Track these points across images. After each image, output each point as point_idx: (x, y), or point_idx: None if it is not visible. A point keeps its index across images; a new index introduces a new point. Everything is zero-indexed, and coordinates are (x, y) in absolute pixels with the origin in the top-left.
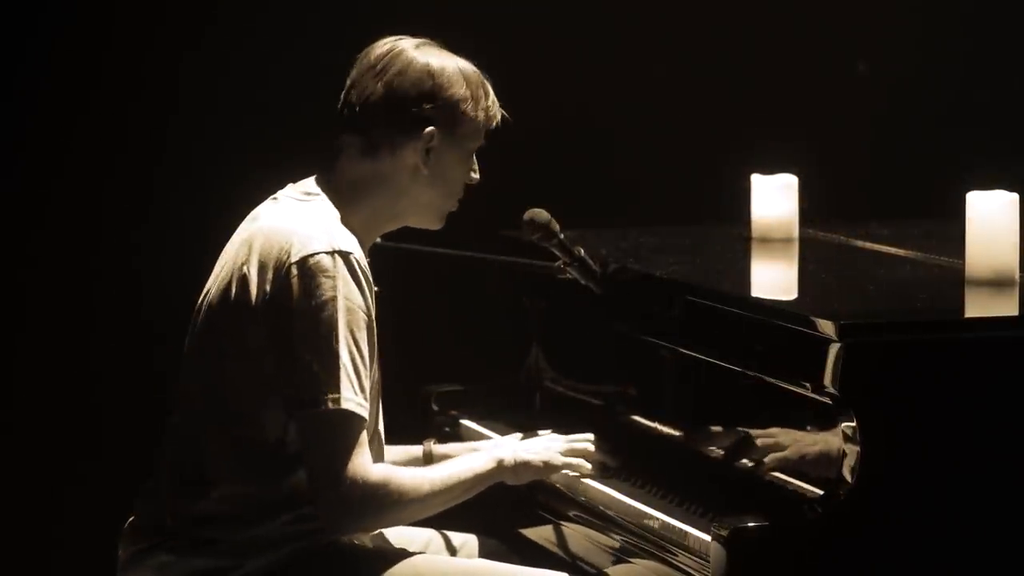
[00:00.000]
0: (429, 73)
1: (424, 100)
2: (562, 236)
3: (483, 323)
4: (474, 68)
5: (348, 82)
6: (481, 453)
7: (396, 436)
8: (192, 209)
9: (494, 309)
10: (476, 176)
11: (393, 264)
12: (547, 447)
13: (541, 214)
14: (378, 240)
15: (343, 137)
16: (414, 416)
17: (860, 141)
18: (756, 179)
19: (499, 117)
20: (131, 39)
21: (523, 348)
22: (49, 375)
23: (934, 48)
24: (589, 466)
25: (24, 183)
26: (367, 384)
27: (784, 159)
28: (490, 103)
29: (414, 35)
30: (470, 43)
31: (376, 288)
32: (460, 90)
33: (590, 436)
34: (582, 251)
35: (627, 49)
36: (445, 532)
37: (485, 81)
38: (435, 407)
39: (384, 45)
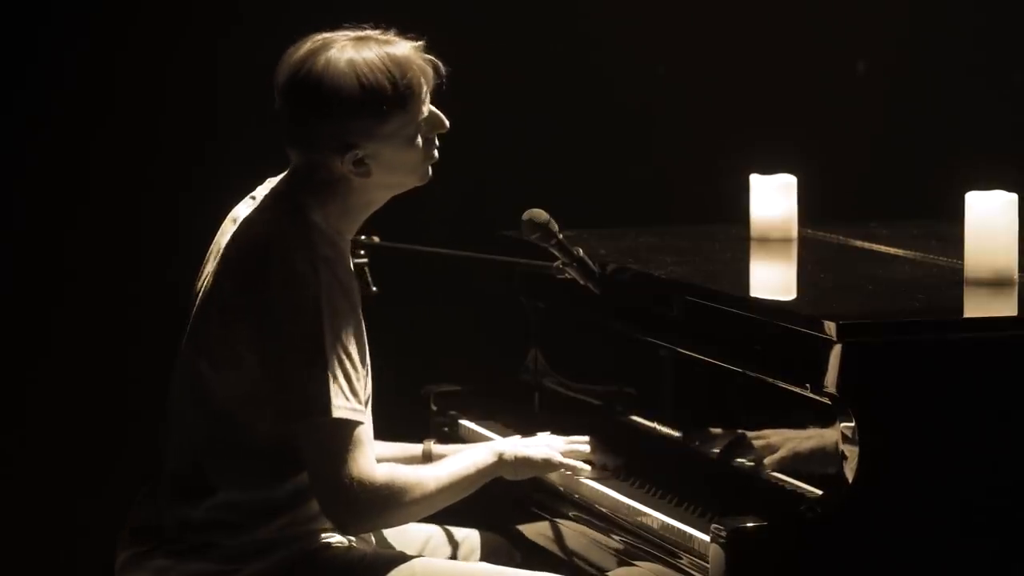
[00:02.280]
0: (327, 100)
1: (332, 131)
2: (561, 236)
3: (483, 323)
4: (381, 55)
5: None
6: (482, 447)
7: (396, 436)
8: (188, 212)
9: (494, 309)
10: (446, 126)
11: (393, 264)
12: (548, 444)
13: (540, 214)
14: (376, 240)
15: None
16: (413, 416)
17: (860, 141)
18: (755, 179)
19: (430, 78)
20: (151, 36)
21: (522, 348)
22: (49, 376)
23: (934, 48)
24: (589, 468)
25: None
26: (359, 386)
27: (784, 159)
28: (409, 79)
29: (332, 29)
30: (467, 43)
31: (375, 288)
32: (365, 106)
33: (586, 438)
34: (581, 251)
35: (626, 49)
36: (447, 527)
37: (398, 60)
38: (434, 407)
39: (292, 57)
